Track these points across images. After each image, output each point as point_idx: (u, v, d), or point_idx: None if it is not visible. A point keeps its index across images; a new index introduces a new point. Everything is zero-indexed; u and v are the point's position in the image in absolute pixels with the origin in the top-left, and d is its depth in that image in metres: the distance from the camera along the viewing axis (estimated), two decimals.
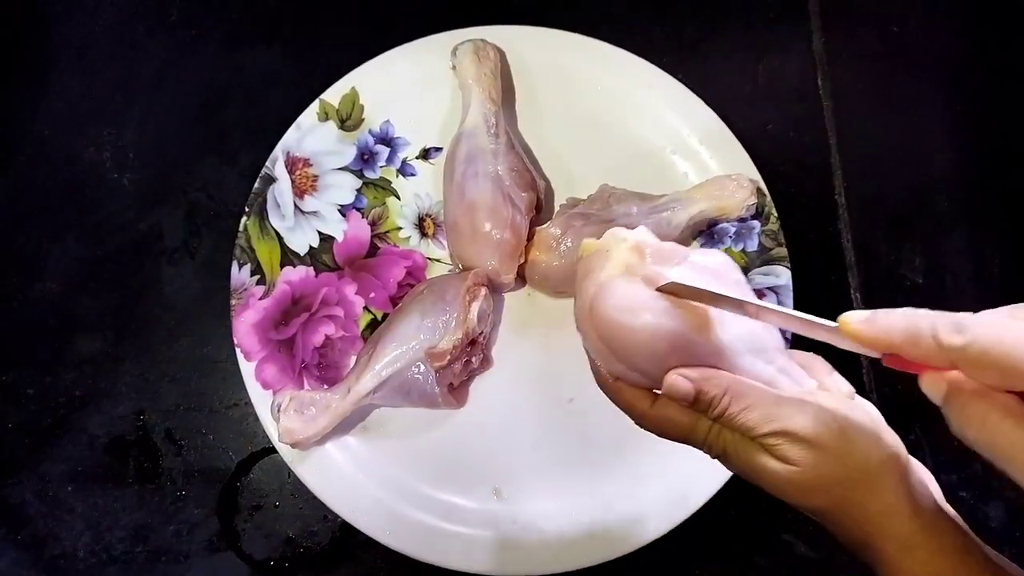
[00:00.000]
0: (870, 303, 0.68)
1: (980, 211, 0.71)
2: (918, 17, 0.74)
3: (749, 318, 0.39)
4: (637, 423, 0.43)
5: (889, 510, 0.38)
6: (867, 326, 0.33)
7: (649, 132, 0.69)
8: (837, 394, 0.42)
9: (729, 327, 0.40)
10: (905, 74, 0.74)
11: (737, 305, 0.38)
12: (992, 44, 0.73)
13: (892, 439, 0.40)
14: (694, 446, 0.42)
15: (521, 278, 0.66)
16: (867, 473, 0.38)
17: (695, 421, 0.41)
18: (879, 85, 0.73)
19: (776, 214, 0.66)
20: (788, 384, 0.41)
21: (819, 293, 0.68)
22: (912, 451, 0.65)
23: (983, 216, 0.71)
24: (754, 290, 0.65)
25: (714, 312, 0.40)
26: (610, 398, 0.44)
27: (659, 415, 0.42)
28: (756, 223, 0.66)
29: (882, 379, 0.67)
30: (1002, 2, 0.73)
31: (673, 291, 0.39)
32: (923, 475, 0.41)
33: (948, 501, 0.64)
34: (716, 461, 0.42)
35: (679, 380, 0.39)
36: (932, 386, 0.32)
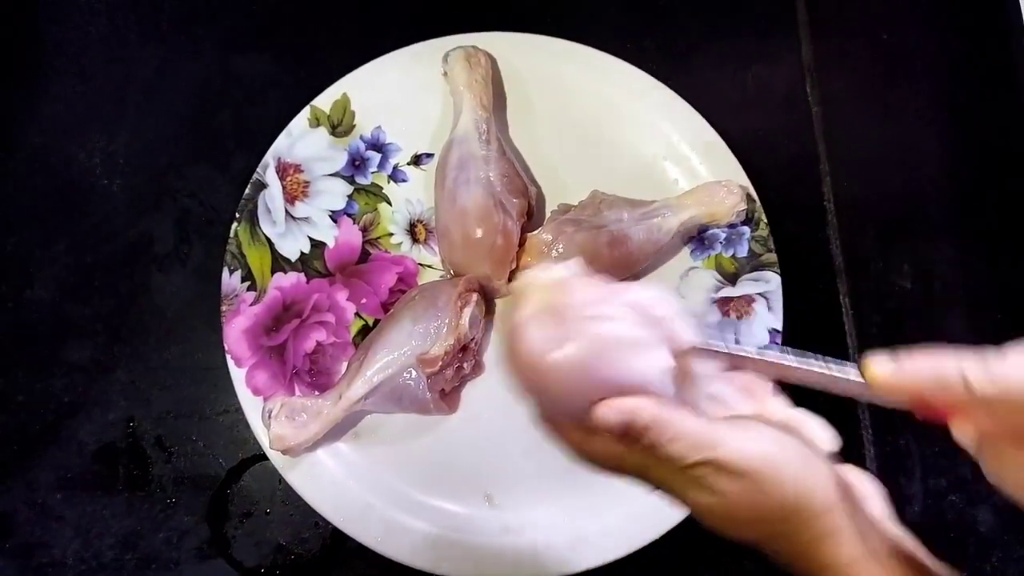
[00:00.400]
0: (859, 308, 0.68)
1: (968, 218, 0.72)
2: (906, 26, 0.75)
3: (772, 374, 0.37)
4: (574, 460, 0.41)
5: (821, 540, 0.36)
6: (895, 376, 0.32)
7: (640, 139, 0.69)
8: (773, 419, 0.40)
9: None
10: (894, 82, 0.74)
11: (765, 365, 0.37)
12: (980, 53, 0.74)
13: (822, 467, 0.38)
14: (631, 478, 0.40)
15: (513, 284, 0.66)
16: (796, 504, 0.36)
17: (622, 453, 0.39)
18: (868, 93, 0.74)
19: (766, 220, 0.67)
20: (721, 411, 0.40)
21: (808, 298, 0.68)
22: (901, 456, 0.66)
23: (971, 223, 0.71)
24: (744, 296, 0.66)
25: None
26: (547, 436, 0.42)
27: (591, 449, 0.40)
28: (746, 229, 0.67)
29: None
30: (990, 12, 0.74)
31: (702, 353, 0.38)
32: (867, 496, 0.39)
33: (937, 505, 0.65)
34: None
35: (607, 412, 0.37)
36: (963, 434, 0.32)
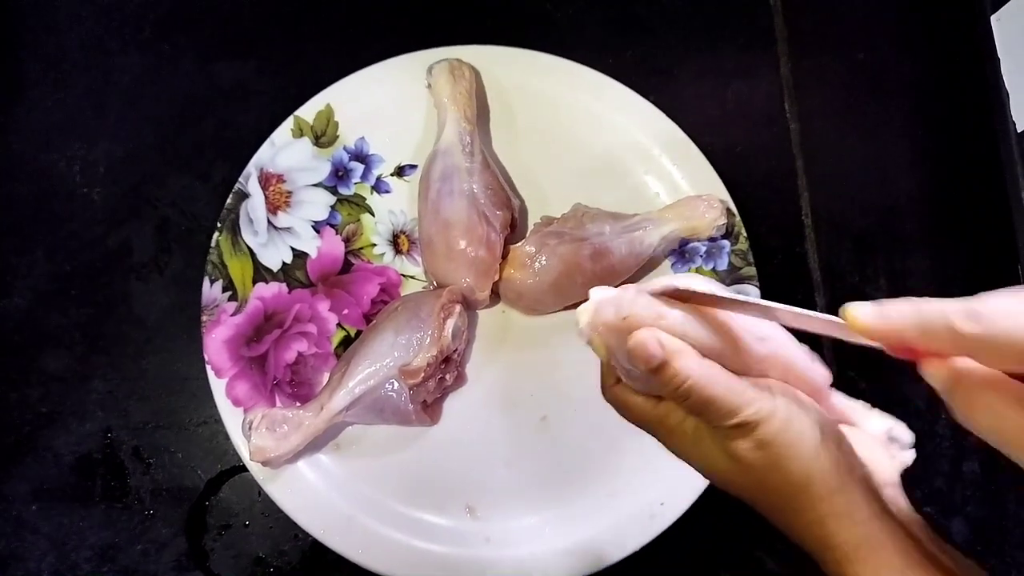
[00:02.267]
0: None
1: (942, 233, 0.73)
2: (883, 45, 0.76)
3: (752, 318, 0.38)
4: (606, 397, 0.44)
5: (827, 521, 0.37)
6: (877, 321, 0.32)
7: (622, 152, 0.70)
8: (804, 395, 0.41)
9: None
10: (870, 99, 0.75)
11: (741, 306, 0.38)
12: (954, 71, 0.75)
13: (834, 447, 0.38)
14: (652, 430, 0.42)
15: (496, 295, 0.66)
16: (807, 481, 0.37)
17: (653, 403, 0.41)
18: (845, 110, 0.75)
19: (745, 234, 0.67)
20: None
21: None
22: None
23: (946, 236, 0.73)
24: None
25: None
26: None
27: (625, 397, 0.42)
28: (726, 243, 0.68)
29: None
30: (963, 32, 0.75)
31: (676, 296, 0.39)
32: (882, 479, 0.40)
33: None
34: (685, 475, 0.43)
35: (649, 340, 0.37)
36: (935, 374, 0.32)
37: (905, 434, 0.43)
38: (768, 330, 0.40)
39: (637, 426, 0.43)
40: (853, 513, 0.37)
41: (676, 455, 0.42)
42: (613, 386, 0.44)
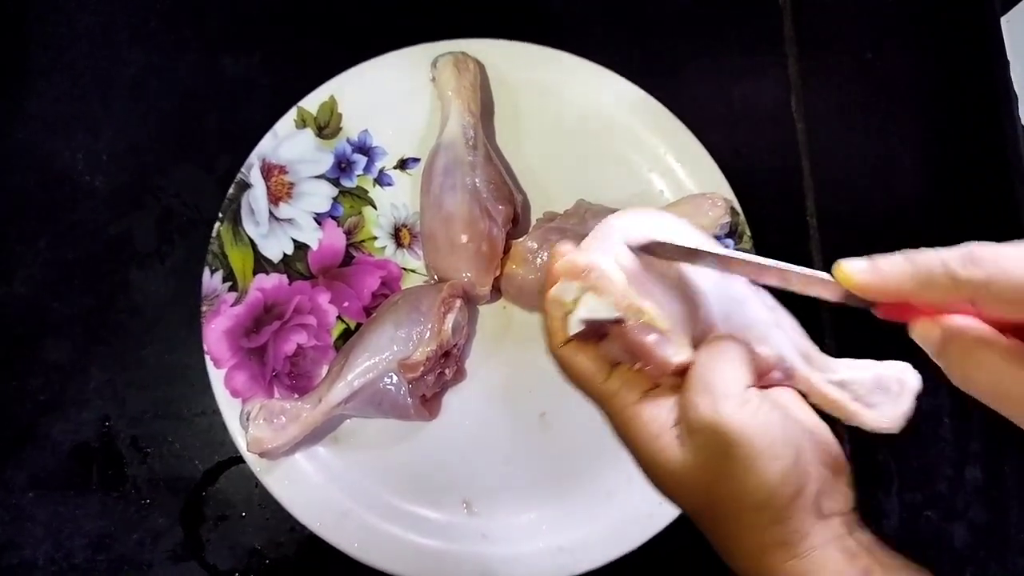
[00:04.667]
0: (839, 320, 0.69)
1: (948, 235, 0.72)
2: (890, 45, 0.76)
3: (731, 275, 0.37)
4: (557, 366, 0.41)
5: (780, 547, 0.34)
6: (871, 275, 0.30)
7: (626, 149, 0.70)
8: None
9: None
10: (877, 100, 0.75)
11: (722, 261, 0.36)
12: (962, 73, 0.75)
13: (811, 461, 0.36)
14: (596, 398, 0.39)
15: (496, 290, 0.66)
16: (769, 497, 0.34)
17: (606, 371, 0.38)
18: (851, 110, 0.75)
19: (749, 233, 0.67)
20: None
21: (790, 311, 0.68)
22: (879, 471, 0.66)
23: (951, 240, 0.72)
24: None
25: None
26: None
27: (575, 361, 0.39)
28: (730, 242, 0.67)
29: None
30: (971, 33, 0.75)
31: (652, 251, 0.38)
32: (834, 507, 0.36)
33: (913, 521, 0.65)
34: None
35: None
36: (926, 334, 0.30)
37: (910, 378, 0.40)
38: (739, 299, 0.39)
39: (583, 393, 0.40)
40: (797, 544, 0.34)
41: (621, 439, 0.39)
42: (563, 345, 0.39)
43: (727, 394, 0.35)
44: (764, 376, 0.40)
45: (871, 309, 0.32)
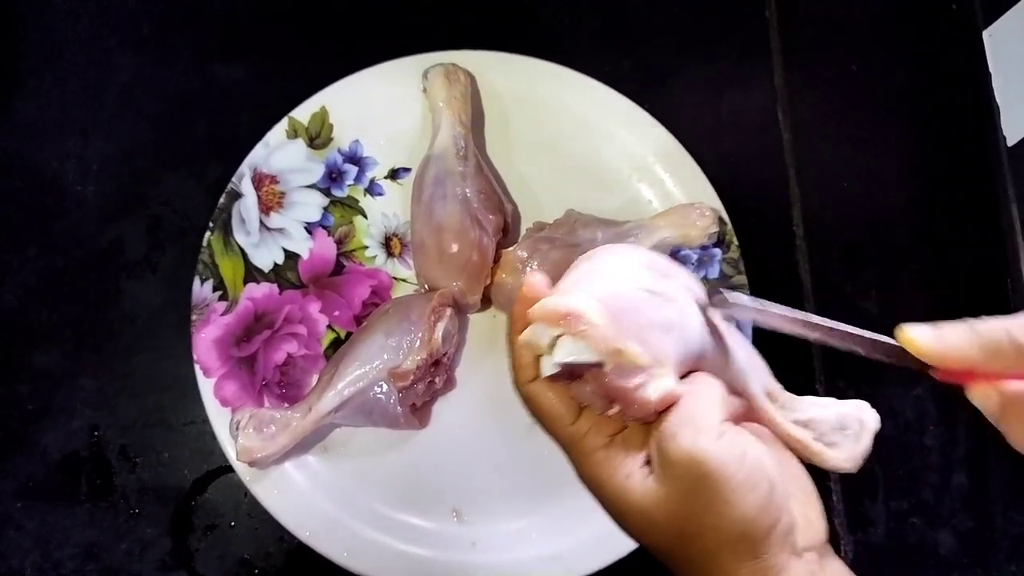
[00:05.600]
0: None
1: (935, 244, 0.73)
2: (876, 56, 0.77)
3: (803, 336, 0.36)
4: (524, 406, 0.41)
5: None
6: (936, 343, 0.31)
7: (615, 160, 0.70)
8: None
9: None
10: (863, 111, 0.76)
11: (791, 323, 0.36)
12: (947, 83, 0.76)
13: (784, 496, 0.35)
14: (563, 431, 0.39)
15: (487, 299, 0.66)
16: (743, 532, 0.34)
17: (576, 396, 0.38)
18: (838, 120, 0.76)
19: (737, 243, 0.67)
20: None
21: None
22: (865, 479, 0.67)
23: (938, 249, 0.73)
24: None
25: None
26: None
27: (540, 393, 0.38)
28: (717, 251, 0.68)
29: None
30: (956, 44, 0.76)
31: (723, 306, 0.37)
32: (809, 541, 0.36)
33: (899, 528, 0.66)
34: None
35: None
36: (986, 398, 0.31)
37: (869, 418, 0.40)
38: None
39: (547, 433, 0.40)
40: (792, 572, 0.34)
41: (586, 481, 0.39)
42: (531, 381, 0.39)
43: (708, 426, 0.36)
44: (733, 412, 0.40)
45: (929, 372, 0.32)
